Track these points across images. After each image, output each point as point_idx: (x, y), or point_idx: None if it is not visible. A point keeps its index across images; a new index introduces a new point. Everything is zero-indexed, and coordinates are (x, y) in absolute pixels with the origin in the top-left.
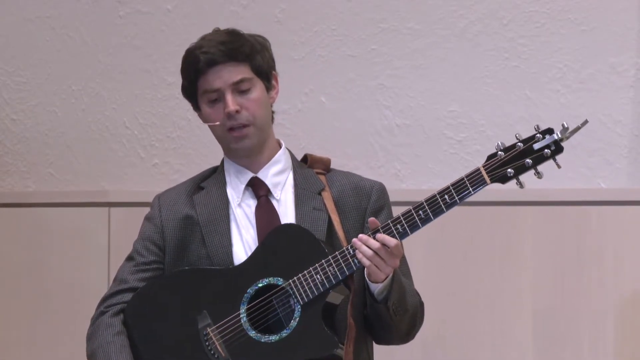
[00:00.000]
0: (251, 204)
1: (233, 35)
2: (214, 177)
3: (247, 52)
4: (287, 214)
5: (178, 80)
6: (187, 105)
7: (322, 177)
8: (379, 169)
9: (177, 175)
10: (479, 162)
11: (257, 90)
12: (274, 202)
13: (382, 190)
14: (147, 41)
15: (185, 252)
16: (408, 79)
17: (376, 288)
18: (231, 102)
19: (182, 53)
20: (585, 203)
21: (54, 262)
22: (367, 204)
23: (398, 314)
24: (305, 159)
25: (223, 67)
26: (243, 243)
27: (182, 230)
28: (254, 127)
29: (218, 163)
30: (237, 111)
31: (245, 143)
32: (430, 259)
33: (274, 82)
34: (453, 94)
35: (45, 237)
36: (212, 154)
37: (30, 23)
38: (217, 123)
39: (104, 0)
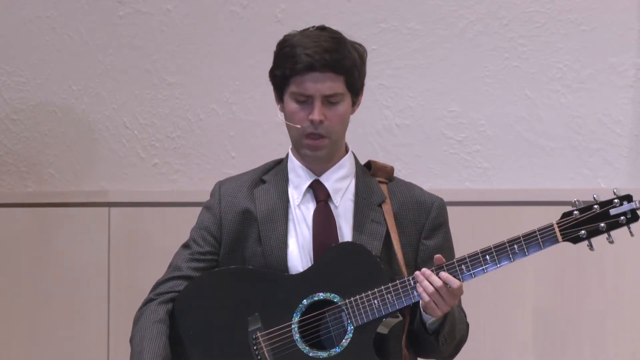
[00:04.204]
0: (310, 206)
1: (338, 44)
2: (276, 170)
3: (347, 66)
4: (344, 222)
5: (178, 80)
6: (187, 105)
7: (384, 187)
8: None
9: (177, 175)
10: (479, 162)
11: (345, 105)
12: (332, 208)
13: (442, 207)
14: (147, 41)
15: (241, 247)
16: (408, 79)
17: (429, 319)
18: (318, 111)
19: (182, 53)
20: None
21: (54, 262)
22: (425, 219)
23: (447, 344)
24: (369, 165)
25: (321, 75)
26: (298, 245)
27: (239, 224)
28: (329, 140)
29: (218, 164)
30: (320, 121)
31: (317, 154)
32: None
33: (360, 97)
34: (453, 94)
35: (45, 237)
36: (212, 153)
37: (30, 23)
38: (298, 126)
39: (104, 0)
